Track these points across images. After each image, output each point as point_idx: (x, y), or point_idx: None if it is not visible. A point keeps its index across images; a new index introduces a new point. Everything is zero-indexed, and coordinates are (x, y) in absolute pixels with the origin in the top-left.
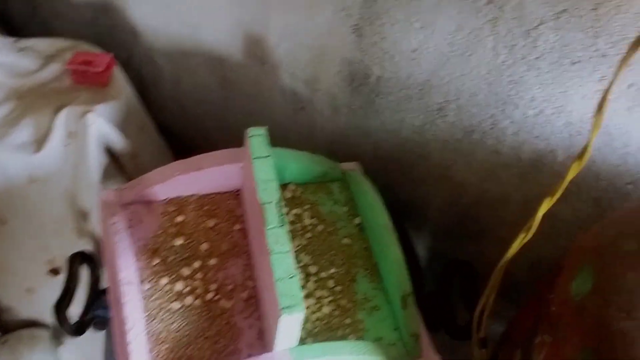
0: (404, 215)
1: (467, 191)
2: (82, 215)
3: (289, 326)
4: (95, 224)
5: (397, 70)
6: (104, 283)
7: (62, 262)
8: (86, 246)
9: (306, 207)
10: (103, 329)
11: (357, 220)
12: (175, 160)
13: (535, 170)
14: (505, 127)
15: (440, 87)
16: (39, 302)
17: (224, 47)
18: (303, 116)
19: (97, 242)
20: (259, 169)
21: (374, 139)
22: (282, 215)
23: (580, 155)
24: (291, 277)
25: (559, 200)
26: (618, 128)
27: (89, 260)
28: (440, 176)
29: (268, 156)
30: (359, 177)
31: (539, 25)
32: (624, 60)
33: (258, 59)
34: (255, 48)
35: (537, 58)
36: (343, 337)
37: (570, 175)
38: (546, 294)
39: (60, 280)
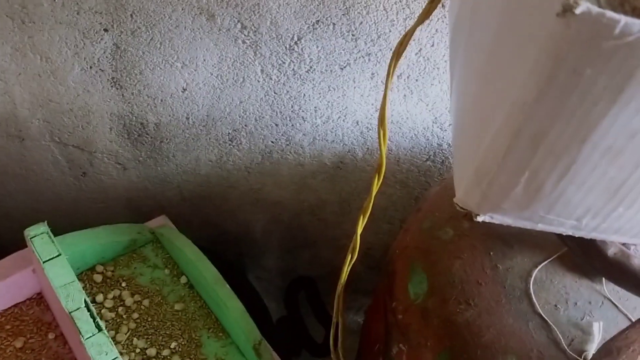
0: (232, 245)
1: (285, 206)
2: None
3: None
4: None
5: (173, 112)
6: None
7: None
8: None
9: (123, 285)
10: None
11: (183, 280)
12: None
13: (341, 171)
14: (300, 140)
15: (224, 118)
16: None
17: None
18: (88, 182)
19: None
20: (53, 274)
21: (175, 184)
22: (95, 318)
23: (378, 169)
24: None
25: (368, 191)
26: (401, 116)
27: None
28: (255, 200)
29: (59, 255)
30: (170, 233)
31: (298, 40)
32: (391, 70)
33: (15, 137)
34: (7, 127)
35: (307, 71)
36: None
37: (374, 190)
38: (389, 302)
39: None
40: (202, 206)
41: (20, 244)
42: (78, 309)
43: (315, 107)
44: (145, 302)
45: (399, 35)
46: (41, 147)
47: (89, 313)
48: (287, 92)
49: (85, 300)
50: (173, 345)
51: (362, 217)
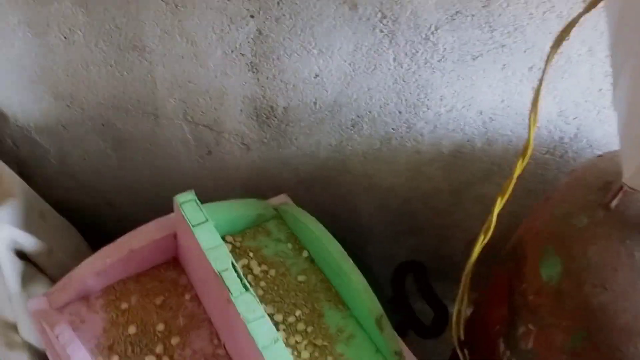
0: (339, 229)
1: (396, 193)
2: (10, 328)
3: None
4: (25, 334)
5: (302, 97)
6: None
7: None
8: (21, 358)
9: (251, 255)
10: None
11: (304, 254)
12: (82, 237)
13: (457, 160)
14: (420, 128)
15: (349, 104)
16: None
17: (110, 109)
18: (212, 160)
19: (32, 351)
20: (203, 237)
21: (294, 166)
22: (242, 279)
23: (523, 152)
24: (275, 341)
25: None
26: (527, 108)
27: None
28: (367, 186)
29: (207, 221)
30: (293, 210)
31: (435, 29)
32: (549, 60)
33: (150, 114)
34: (145, 103)
35: (439, 60)
36: None
37: (516, 173)
38: (517, 284)
39: None
40: (316, 189)
41: (140, 215)
42: (226, 269)
43: (441, 96)
44: (272, 272)
45: (536, 28)
46: (173, 125)
47: (236, 273)
48: (416, 80)
49: (232, 262)
50: (297, 313)
51: (500, 198)
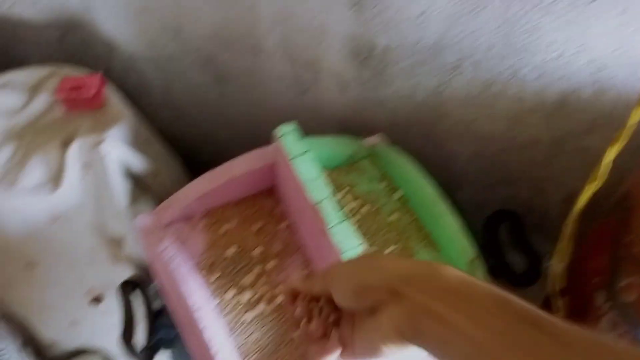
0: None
1: (494, 141)
2: (116, 243)
3: None
4: (130, 248)
5: (404, 37)
6: (156, 304)
7: (101, 289)
8: (124, 271)
9: (345, 190)
10: (170, 348)
11: (397, 195)
12: (182, 166)
13: (561, 110)
14: (525, 74)
15: (452, 46)
16: (85, 332)
17: (213, 43)
18: (308, 98)
19: (136, 265)
20: (302, 169)
21: (389, 108)
22: (339, 211)
23: None
24: None
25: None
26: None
27: (137, 286)
28: (464, 132)
29: (306, 152)
30: (387, 151)
31: None
32: None
33: (251, 49)
34: (247, 39)
35: (551, 3)
36: None
37: (632, 121)
38: (621, 235)
39: (102, 308)
40: (411, 132)
41: (237, 149)
42: (323, 200)
43: (550, 41)
44: (365, 208)
45: None
46: (272, 61)
47: (333, 205)
48: (525, 24)
49: (329, 194)
50: (390, 249)
51: (614, 144)
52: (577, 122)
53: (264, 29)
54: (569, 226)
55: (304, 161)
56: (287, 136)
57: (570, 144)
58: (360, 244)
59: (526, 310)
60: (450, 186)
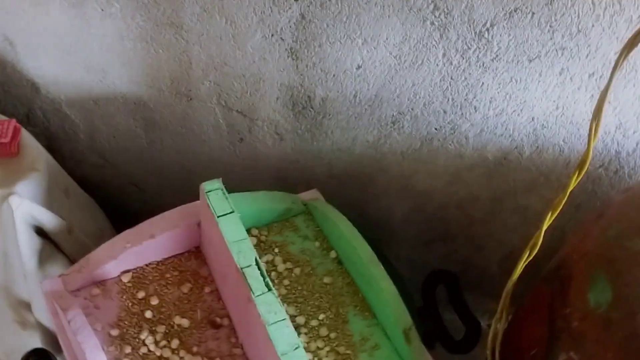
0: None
1: (433, 197)
2: (23, 306)
3: None
4: (39, 313)
5: (342, 89)
6: None
7: (7, 357)
8: (32, 338)
9: (276, 251)
10: None
11: (332, 255)
12: (106, 217)
13: (502, 168)
14: (466, 130)
15: (391, 100)
16: None
17: (142, 88)
18: (243, 148)
19: (44, 332)
20: (227, 230)
21: (327, 160)
22: (266, 278)
23: (580, 165)
24: (295, 348)
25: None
26: (582, 117)
27: (43, 356)
28: (402, 187)
29: (232, 212)
30: (324, 207)
31: (491, 26)
32: (616, 67)
33: (183, 96)
34: (178, 85)
35: (492, 59)
36: None
37: (571, 187)
38: (560, 307)
39: None
40: (348, 186)
41: (167, 199)
42: (249, 266)
43: (491, 98)
44: (296, 271)
45: (601, 31)
46: (206, 108)
47: (259, 271)
48: (465, 79)
49: (256, 259)
50: (321, 317)
51: (550, 213)
52: (517, 180)
53: (197, 75)
54: (506, 295)
55: (230, 221)
56: (213, 193)
57: (510, 202)
58: (284, 319)
59: None
60: (390, 242)
